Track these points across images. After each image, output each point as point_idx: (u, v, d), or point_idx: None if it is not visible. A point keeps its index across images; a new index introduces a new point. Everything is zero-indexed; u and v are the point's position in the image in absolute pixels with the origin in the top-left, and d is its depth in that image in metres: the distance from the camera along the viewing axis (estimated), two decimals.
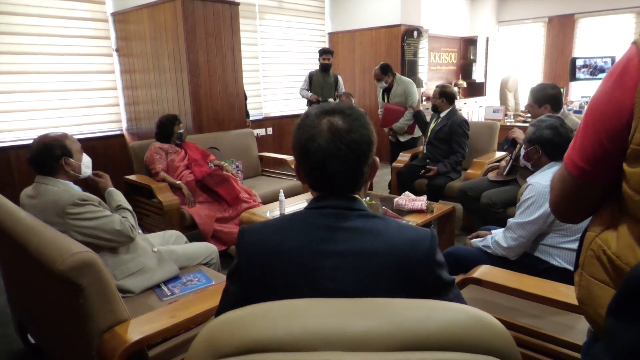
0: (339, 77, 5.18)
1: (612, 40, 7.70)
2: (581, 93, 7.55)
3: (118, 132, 4.84)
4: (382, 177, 5.47)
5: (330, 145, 0.89)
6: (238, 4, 4.34)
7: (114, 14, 4.60)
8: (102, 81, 4.69)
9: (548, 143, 1.93)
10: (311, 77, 5.07)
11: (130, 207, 2.03)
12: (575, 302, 1.42)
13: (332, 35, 6.78)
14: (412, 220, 2.72)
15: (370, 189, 4.76)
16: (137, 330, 1.33)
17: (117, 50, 4.71)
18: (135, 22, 4.41)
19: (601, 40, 7.81)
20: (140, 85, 4.58)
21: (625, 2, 7.38)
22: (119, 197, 2.06)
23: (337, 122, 0.91)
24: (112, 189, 2.08)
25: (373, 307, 0.62)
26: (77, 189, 1.93)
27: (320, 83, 5.01)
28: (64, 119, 4.40)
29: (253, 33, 5.70)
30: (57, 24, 4.27)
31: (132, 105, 4.74)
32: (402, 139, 4.57)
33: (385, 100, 4.62)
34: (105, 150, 4.63)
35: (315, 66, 6.66)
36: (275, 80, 6.08)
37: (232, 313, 0.63)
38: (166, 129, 3.43)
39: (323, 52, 4.99)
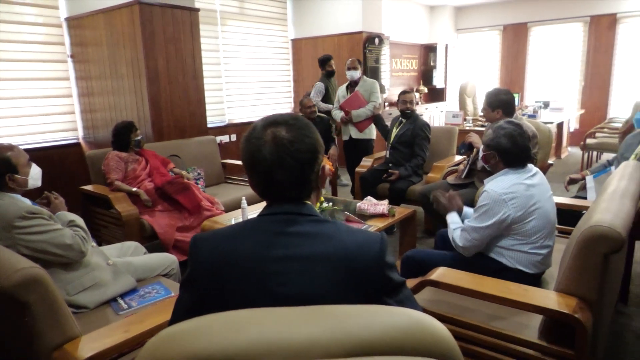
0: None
1: (563, 47, 8.09)
2: (535, 98, 7.88)
3: (74, 141, 4.67)
4: (347, 182, 5.52)
5: (275, 155, 0.92)
6: (198, 10, 4.29)
7: (68, 19, 4.46)
8: (56, 88, 4.52)
9: (504, 152, 1.95)
10: (327, 88, 5.19)
11: (83, 225, 1.96)
12: (525, 300, 1.49)
13: (295, 41, 6.80)
14: (374, 225, 2.75)
15: (335, 194, 4.80)
16: (88, 346, 1.29)
17: (72, 56, 4.56)
18: (91, 28, 4.28)
19: (552, 47, 8.20)
20: (97, 92, 4.44)
21: (573, 12, 7.77)
22: (72, 216, 1.99)
23: (281, 132, 0.93)
24: (64, 212, 2.01)
25: (317, 315, 0.62)
26: (26, 201, 1.85)
27: (333, 90, 5.20)
28: (17, 127, 4.21)
29: (215, 39, 5.64)
30: (8, 29, 4.09)
31: (89, 112, 4.59)
32: (353, 135, 4.63)
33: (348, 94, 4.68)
34: (60, 159, 4.45)
35: (279, 72, 6.71)
36: (238, 86, 6.04)
37: (174, 327, 0.62)
38: (122, 136, 3.34)
39: (328, 60, 5.21)
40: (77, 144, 4.67)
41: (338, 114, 4.65)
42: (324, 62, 5.26)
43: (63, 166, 4.43)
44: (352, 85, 4.65)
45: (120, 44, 4.04)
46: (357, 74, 4.56)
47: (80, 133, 4.72)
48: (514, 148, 1.93)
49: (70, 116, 4.67)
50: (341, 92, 4.74)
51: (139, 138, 3.39)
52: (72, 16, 4.41)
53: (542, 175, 2.03)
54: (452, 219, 2.17)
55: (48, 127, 4.47)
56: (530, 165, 2.01)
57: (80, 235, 1.84)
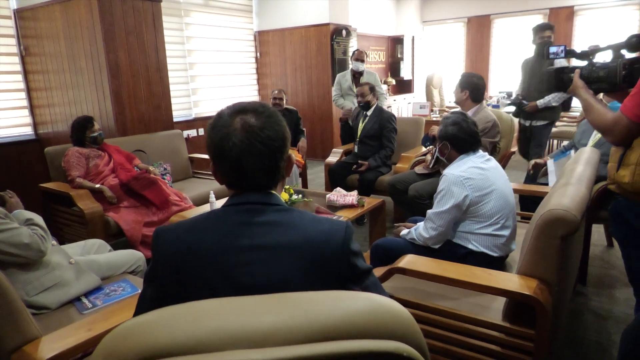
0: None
1: (524, 39, 8.30)
2: (499, 89, 8.09)
3: (32, 137, 4.49)
4: (318, 175, 5.53)
5: (245, 142, 0.91)
6: (160, 0, 4.17)
7: (17, 11, 4.25)
8: (10, 82, 4.33)
9: (454, 138, 2.06)
10: (526, 66, 3.94)
11: (42, 223, 1.88)
12: (489, 283, 1.53)
13: (261, 33, 6.72)
14: (344, 215, 2.77)
15: (305, 186, 4.80)
16: (48, 347, 1.24)
17: (26, 49, 4.36)
18: (46, 20, 4.10)
19: (514, 39, 8.41)
20: (55, 87, 4.27)
21: (534, 4, 8.00)
22: (30, 214, 1.91)
23: (250, 120, 0.92)
24: (21, 211, 1.93)
25: (279, 302, 0.62)
26: None
27: (535, 71, 3.82)
28: None
29: (179, 31, 5.51)
30: None
31: (47, 107, 4.41)
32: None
33: (354, 86, 4.64)
34: (18, 156, 4.27)
35: (246, 65, 6.62)
36: (205, 79, 5.93)
37: (132, 320, 0.60)
38: (77, 133, 3.22)
39: (541, 29, 3.65)
40: (36, 140, 4.49)
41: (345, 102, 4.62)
42: (535, 31, 3.85)
43: (21, 163, 4.26)
44: (356, 76, 4.67)
45: (78, 36, 3.89)
46: (363, 65, 4.62)
47: (38, 129, 4.54)
48: (461, 132, 2.04)
49: (27, 111, 4.48)
50: (346, 80, 4.70)
51: (95, 134, 3.25)
52: (23, 7, 4.21)
53: (496, 161, 2.11)
54: (405, 232, 2.20)
55: (3, 122, 4.27)
56: (484, 152, 2.09)
57: (39, 234, 1.77)
